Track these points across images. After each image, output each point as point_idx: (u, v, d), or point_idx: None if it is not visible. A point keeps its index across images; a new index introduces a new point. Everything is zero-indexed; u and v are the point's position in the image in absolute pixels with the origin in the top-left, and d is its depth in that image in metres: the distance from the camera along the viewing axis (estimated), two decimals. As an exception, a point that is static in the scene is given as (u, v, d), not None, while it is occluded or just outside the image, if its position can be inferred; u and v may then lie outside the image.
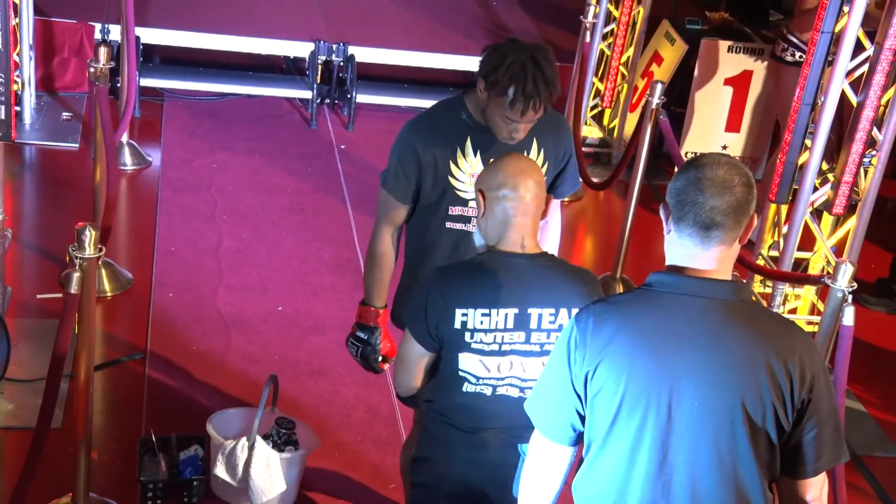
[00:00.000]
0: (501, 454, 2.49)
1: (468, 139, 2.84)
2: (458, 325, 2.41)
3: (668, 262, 2.03)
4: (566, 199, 3.24)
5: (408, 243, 3.05)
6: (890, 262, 5.16)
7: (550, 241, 3.10)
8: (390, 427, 3.85)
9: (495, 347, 2.43)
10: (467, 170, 2.85)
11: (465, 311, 2.40)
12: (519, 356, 2.45)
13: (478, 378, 2.46)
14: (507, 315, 2.41)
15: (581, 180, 5.43)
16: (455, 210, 2.89)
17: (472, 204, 2.86)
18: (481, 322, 2.40)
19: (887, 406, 4.41)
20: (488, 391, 2.48)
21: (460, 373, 2.46)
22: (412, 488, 2.68)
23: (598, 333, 1.99)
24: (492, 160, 2.56)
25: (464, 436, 2.51)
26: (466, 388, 2.48)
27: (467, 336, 2.42)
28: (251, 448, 3.24)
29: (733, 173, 1.96)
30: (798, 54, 5.16)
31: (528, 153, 2.89)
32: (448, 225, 2.90)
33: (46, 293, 4.30)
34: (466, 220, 2.90)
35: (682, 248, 1.99)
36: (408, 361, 2.52)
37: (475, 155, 2.85)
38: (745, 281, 2.04)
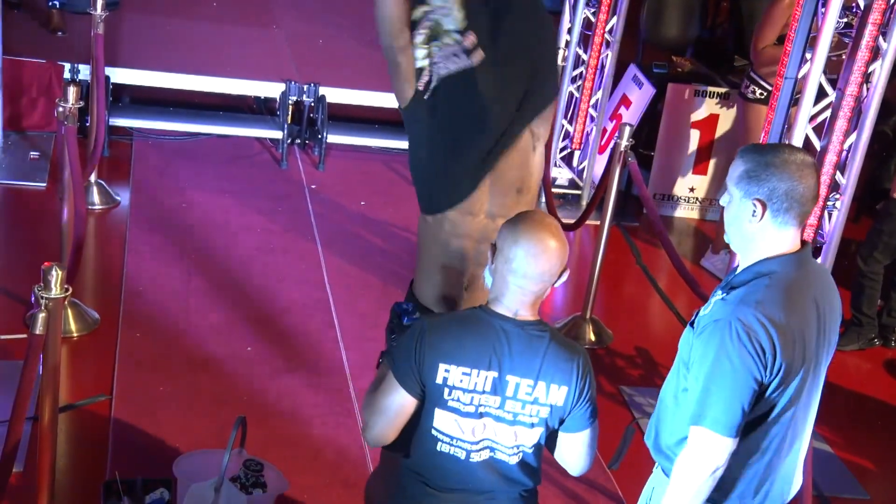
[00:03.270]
0: None
1: None
2: (439, 379, 2.36)
3: (761, 251, 2.33)
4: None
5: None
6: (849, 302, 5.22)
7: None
8: (359, 469, 3.82)
9: (471, 409, 2.39)
10: None
11: (447, 366, 2.36)
12: (493, 420, 2.41)
13: (452, 438, 2.42)
14: (486, 378, 2.37)
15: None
16: None
17: None
18: (461, 381, 2.36)
19: (855, 448, 4.44)
20: (462, 454, 2.43)
21: (433, 431, 2.42)
22: None
23: (780, 331, 2.25)
24: (515, 217, 2.44)
25: (436, 495, 2.47)
26: (441, 447, 2.43)
27: (446, 392, 2.38)
28: (218, 490, 3.20)
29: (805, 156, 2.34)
30: (759, 91, 5.36)
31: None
32: None
33: (10, 334, 4.24)
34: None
35: (778, 234, 2.31)
36: (388, 410, 2.41)
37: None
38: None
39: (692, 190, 6.39)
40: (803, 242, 2.39)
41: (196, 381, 4.20)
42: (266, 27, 7.42)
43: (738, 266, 2.41)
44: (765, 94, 5.32)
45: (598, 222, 4.90)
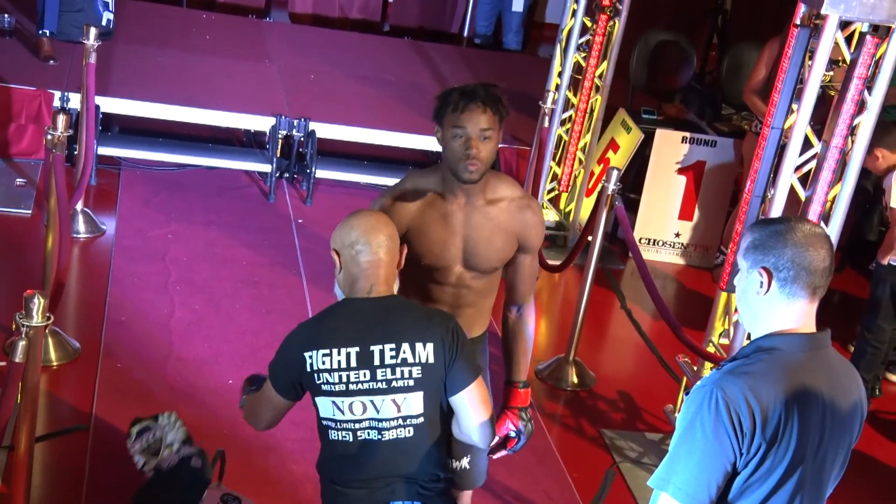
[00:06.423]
0: None
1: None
2: (308, 368, 2.50)
3: (770, 326, 2.15)
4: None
5: None
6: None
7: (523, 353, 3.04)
8: (338, 507, 3.78)
9: (342, 387, 2.48)
10: None
11: (309, 353, 2.50)
12: (368, 395, 2.48)
13: (336, 422, 2.52)
14: (348, 354, 2.48)
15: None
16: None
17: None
18: (323, 362, 2.48)
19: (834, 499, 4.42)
20: (350, 436, 2.52)
21: (323, 422, 2.54)
22: None
23: (763, 409, 2.06)
24: (346, 218, 2.62)
25: (339, 491, 2.57)
26: (332, 435, 2.55)
27: (316, 378, 2.49)
28: (194, 526, 3.16)
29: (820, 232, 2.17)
30: (755, 124, 5.83)
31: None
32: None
33: (-10, 361, 4.21)
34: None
35: (788, 307, 2.14)
36: (263, 402, 2.66)
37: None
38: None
39: (678, 235, 6.43)
40: (823, 328, 2.20)
41: (176, 412, 4.15)
42: (259, 61, 7.45)
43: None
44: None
45: (584, 264, 4.92)
